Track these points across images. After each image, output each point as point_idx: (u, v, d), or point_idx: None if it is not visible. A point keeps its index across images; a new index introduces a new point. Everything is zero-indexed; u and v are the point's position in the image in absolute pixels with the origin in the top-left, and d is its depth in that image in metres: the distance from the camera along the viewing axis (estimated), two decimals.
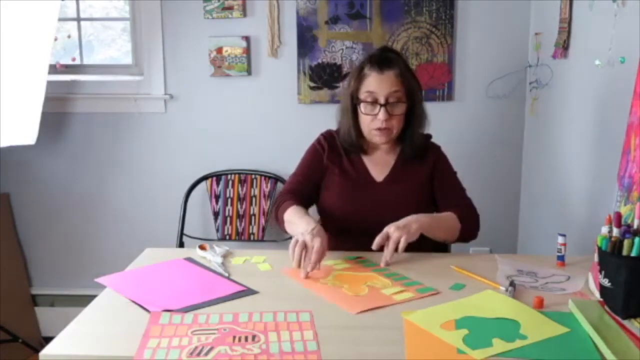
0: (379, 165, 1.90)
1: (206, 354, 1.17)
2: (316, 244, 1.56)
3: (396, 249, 1.62)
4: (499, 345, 1.19)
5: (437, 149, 1.96)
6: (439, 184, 1.90)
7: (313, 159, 1.93)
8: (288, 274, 1.57)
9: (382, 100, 1.78)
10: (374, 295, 1.45)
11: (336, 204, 1.88)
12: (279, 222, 1.84)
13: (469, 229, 1.84)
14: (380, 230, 1.68)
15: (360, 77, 1.83)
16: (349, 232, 1.82)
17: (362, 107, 1.81)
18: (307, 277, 1.54)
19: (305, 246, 1.57)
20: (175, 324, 1.31)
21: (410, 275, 1.58)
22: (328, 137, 1.95)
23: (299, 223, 1.69)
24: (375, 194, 1.86)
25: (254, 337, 1.24)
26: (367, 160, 1.91)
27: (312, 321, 1.31)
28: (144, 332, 1.26)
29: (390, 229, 1.63)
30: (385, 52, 1.87)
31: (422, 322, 1.29)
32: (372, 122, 1.81)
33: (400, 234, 1.62)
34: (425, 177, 1.89)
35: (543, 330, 1.25)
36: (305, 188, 1.91)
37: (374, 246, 1.63)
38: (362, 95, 1.81)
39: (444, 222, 1.79)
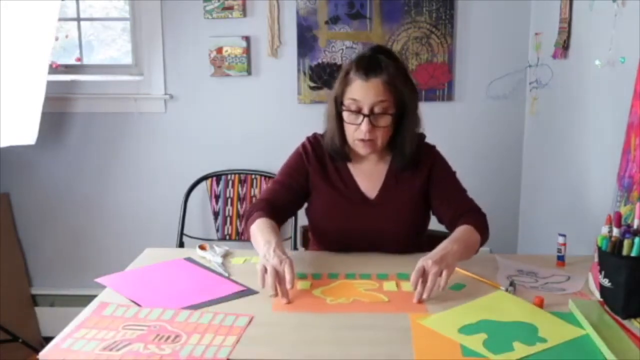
0: (369, 179, 1.76)
1: (118, 350, 1.17)
2: (286, 269, 1.42)
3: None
4: (520, 350, 1.18)
5: (431, 151, 1.79)
6: (437, 190, 1.74)
7: (295, 166, 1.78)
8: (280, 309, 1.40)
9: (365, 111, 1.61)
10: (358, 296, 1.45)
11: (324, 219, 1.77)
12: (247, 233, 1.68)
13: (486, 235, 1.67)
14: (372, 246, 1.70)
15: (345, 81, 1.66)
16: (338, 244, 1.75)
17: (346, 116, 1.66)
18: (288, 303, 1.40)
19: (277, 273, 1.42)
20: (117, 316, 1.31)
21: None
22: (314, 142, 1.79)
23: (259, 241, 1.56)
24: (369, 212, 1.73)
25: (176, 337, 1.23)
26: (355, 171, 1.76)
27: (246, 326, 1.27)
28: (80, 322, 1.27)
29: (428, 263, 1.42)
30: (376, 54, 1.67)
31: (438, 327, 1.28)
32: (355, 132, 1.65)
33: (440, 268, 1.42)
34: (421, 186, 1.74)
35: (561, 333, 1.24)
36: (282, 197, 1.75)
37: (412, 284, 1.42)
38: (346, 101, 1.65)
39: (471, 241, 1.60)
